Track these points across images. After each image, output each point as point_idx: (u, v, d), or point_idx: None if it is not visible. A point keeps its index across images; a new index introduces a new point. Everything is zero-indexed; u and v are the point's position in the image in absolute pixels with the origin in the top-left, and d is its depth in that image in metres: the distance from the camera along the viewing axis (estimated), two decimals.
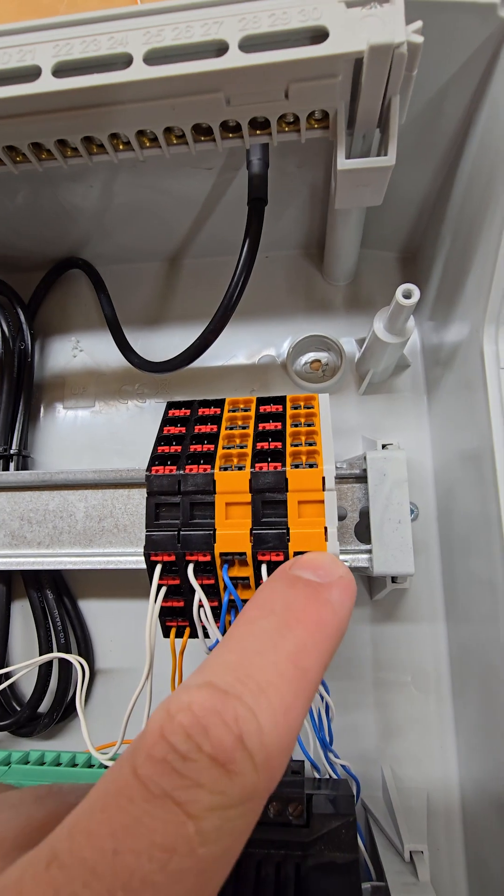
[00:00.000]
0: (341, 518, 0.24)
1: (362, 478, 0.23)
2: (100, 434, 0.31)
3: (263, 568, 0.17)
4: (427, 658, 0.27)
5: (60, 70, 0.16)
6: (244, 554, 0.17)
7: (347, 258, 0.29)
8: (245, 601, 0.18)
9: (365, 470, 0.23)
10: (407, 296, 0.21)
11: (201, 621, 0.18)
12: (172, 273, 0.32)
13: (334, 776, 0.22)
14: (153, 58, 0.15)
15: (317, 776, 0.22)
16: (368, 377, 0.28)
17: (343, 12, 0.15)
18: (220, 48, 0.15)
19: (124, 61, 0.15)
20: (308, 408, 0.20)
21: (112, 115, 0.16)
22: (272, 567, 0.18)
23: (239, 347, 0.31)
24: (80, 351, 0.32)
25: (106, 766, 0.20)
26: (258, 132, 0.18)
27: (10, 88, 0.16)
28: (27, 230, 0.30)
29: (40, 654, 0.27)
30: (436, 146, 0.23)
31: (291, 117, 0.17)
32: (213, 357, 0.31)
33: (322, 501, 0.17)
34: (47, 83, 0.16)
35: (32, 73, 0.16)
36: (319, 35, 0.15)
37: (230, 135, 0.18)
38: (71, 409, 0.32)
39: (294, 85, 0.15)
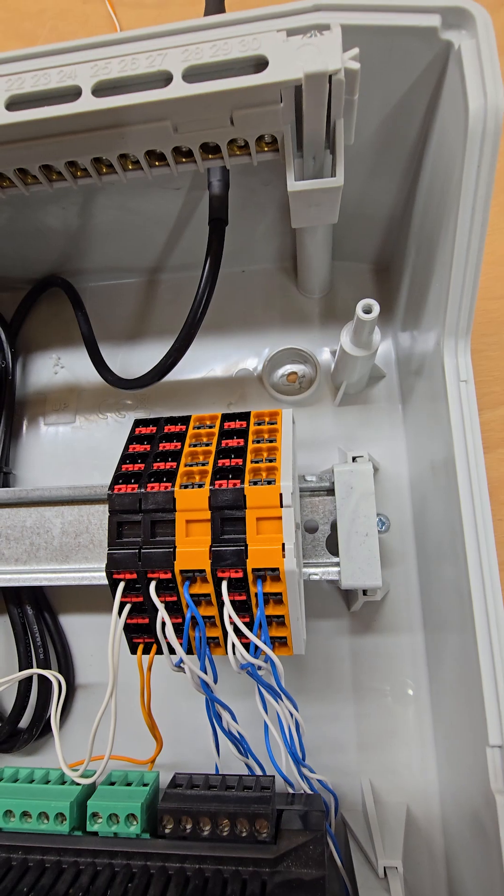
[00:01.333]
0: (312, 531, 0.24)
1: (333, 490, 0.24)
2: (80, 449, 0.32)
3: (224, 585, 0.18)
4: (406, 669, 0.26)
5: (13, 103, 0.16)
6: (204, 571, 0.18)
7: (319, 271, 0.29)
8: (206, 618, 0.19)
9: (333, 482, 0.23)
10: (367, 310, 0.21)
11: (165, 638, 0.19)
12: (151, 289, 0.33)
13: (308, 791, 0.22)
14: (101, 89, 0.16)
15: (291, 791, 0.22)
16: (343, 389, 0.28)
17: (282, 42, 0.15)
18: (165, 79, 0.16)
19: (74, 93, 0.16)
20: (271, 423, 0.21)
21: (64, 145, 0.17)
22: (232, 584, 0.18)
23: (216, 361, 0.31)
24: (61, 367, 0.33)
25: (77, 783, 0.20)
26: (210, 156, 0.18)
27: None
28: (6, 250, 0.31)
29: (20, 670, 0.27)
30: (397, 162, 0.23)
31: (242, 141, 0.18)
32: (191, 370, 0.31)
33: (280, 518, 0.18)
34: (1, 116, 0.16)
35: None
36: (259, 64, 0.15)
37: (184, 159, 0.18)
38: (52, 424, 0.32)
39: (238, 112, 0.16)
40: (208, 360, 0.31)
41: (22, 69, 0.16)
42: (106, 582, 0.24)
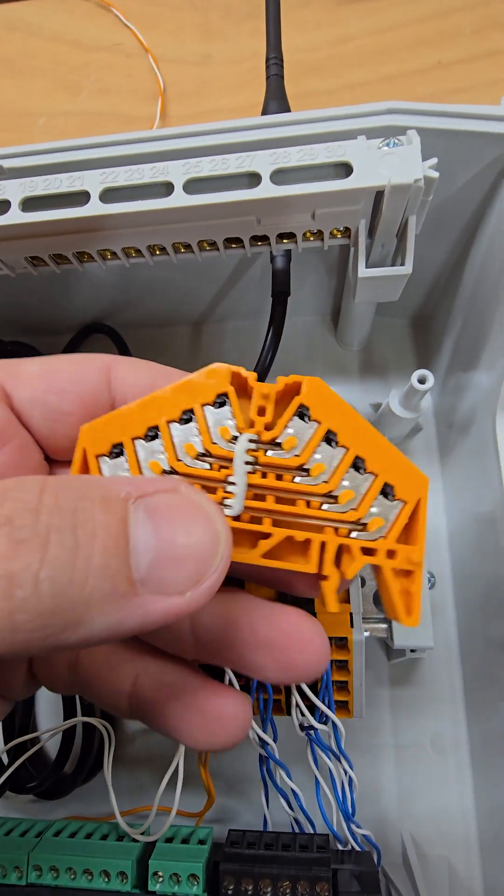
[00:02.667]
0: (361, 587, 0.25)
1: None
2: None
3: None
4: (446, 721, 0.27)
5: (106, 194, 0.17)
6: None
7: (362, 328, 0.30)
8: None
9: None
10: (422, 381, 0.22)
11: None
12: (196, 337, 0.34)
13: (356, 847, 0.22)
14: (191, 185, 0.17)
15: (339, 847, 0.22)
16: None
17: (365, 150, 0.16)
18: (252, 178, 0.17)
19: (165, 189, 0.17)
20: None
21: (155, 234, 0.18)
22: None
23: None
24: None
25: (135, 840, 0.21)
26: (285, 241, 0.19)
27: (64, 211, 0.17)
28: (54, 299, 0.32)
29: (65, 716, 0.27)
30: (449, 234, 0.24)
31: (315, 230, 0.19)
32: None
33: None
34: (95, 207, 0.17)
35: (83, 198, 0.17)
36: (344, 169, 0.16)
37: (258, 243, 0.19)
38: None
39: (320, 209, 0.17)
40: None
41: (118, 160, 0.17)
42: None
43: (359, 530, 0.12)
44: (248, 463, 0.12)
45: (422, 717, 0.27)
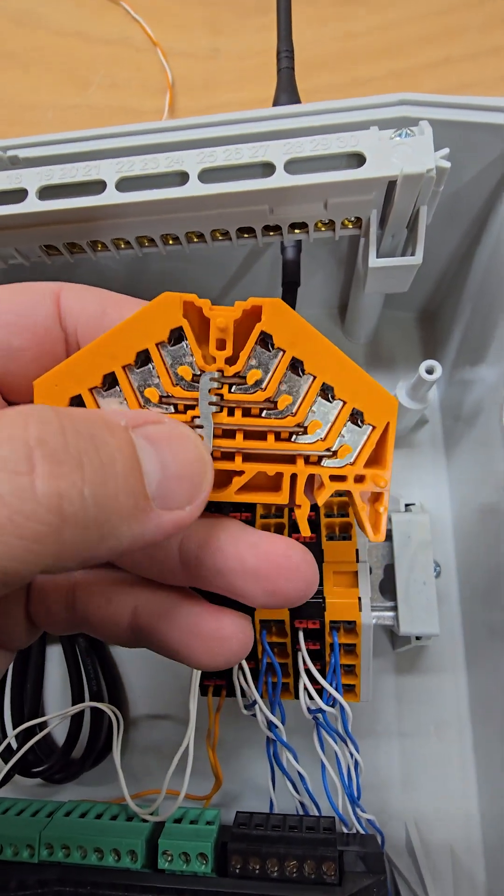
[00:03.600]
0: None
1: (387, 536, 0.24)
2: None
3: (300, 634, 0.19)
4: (450, 708, 0.27)
5: (122, 183, 0.18)
6: (283, 621, 0.18)
7: (369, 320, 0.30)
8: (282, 664, 0.20)
9: (390, 529, 0.24)
10: (430, 371, 0.22)
11: (239, 682, 0.19)
12: None
13: (361, 830, 0.23)
14: (206, 174, 0.17)
15: (345, 831, 0.22)
16: None
17: (378, 140, 0.16)
18: (266, 168, 0.17)
19: (180, 179, 0.17)
20: None
21: (170, 222, 0.18)
22: (308, 634, 0.19)
23: None
24: None
25: (145, 820, 0.21)
26: (297, 231, 0.19)
27: (80, 200, 0.17)
28: None
29: (73, 701, 0.28)
30: (458, 227, 0.25)
31: (327, 220, 0.19)
32: None
33: (356, 572, 0.19)
34: (111, 196, 0.17)
35: (99, 187, 0.18)
36: (353, 156, 0.17)
37: (270, 233, 0.19)
38: None
39: (333, 199, 0.17)
40: None
41: (133, 149, 0.18)
42: None
43: (329, 457, 0.12)
44: (212, 403, 0.12)
45: (426, 705, 0.27)
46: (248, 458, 0.12)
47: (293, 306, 0.23)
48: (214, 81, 0.41)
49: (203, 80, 0.41)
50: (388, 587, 0.24)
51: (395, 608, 0.23)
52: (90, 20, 0.43)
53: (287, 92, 0.24)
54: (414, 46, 0.40)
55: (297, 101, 0.24)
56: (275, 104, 0.25)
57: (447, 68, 0.40)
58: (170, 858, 0.20)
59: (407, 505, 0.25)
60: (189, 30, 0.42)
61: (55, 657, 0.30)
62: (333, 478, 0.12)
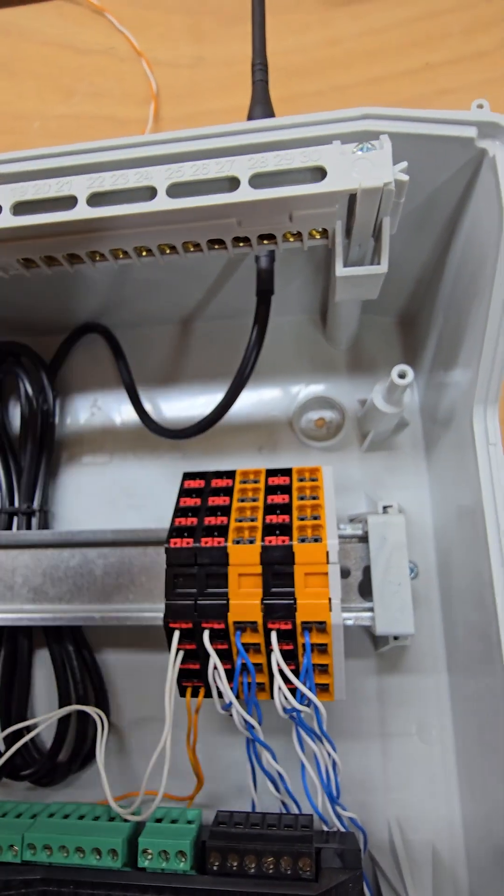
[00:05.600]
0: (345, 576, 0.26)
1: (365, 538, 0.25)
2: (115, 489, 0.33)
3: (273, 635, 0.19)
4: (431, 709, 0.28)
5: (93, 198, 0.18)
6: (255, 623, 0.19)
7: (349, 326, 0.31)
8: (256, 664, 0.20)
9: (367, 531, 0.24)
10: (402, 376, 0.23)
11: (215, 683, 0.20)
12: (185, 335, 0.35)
13: (342, 828, 0.23)
14: (174, 188, 0.18)
15: (325, 829, 0.23)
16: (370, 437, 0.30)
17: (339, 154, 0.17)
18: (232, 182, 0.17)
19: (149, 194, 0.18)
20: (313, 479, 0.22)
21: (141, 236, 0.19)
22: (281, 635, 0.19)
23: (249, 406, 0.33)
24: (98, 409, 0.34)
25: (126, 820, 0.21)
26: (266, 242, 0.20)
27: (53, 215, 0.18)
28: (48, 299, 0.33)
29: (60, 704, 0.28)
30: (428, 237, 0.25)
31: (295, 231, 0.19)
32: (225, 415, 0.33)
33: (326, 574, 0.19)
34: (83, 211, 0.18)
35: (70, 202, 0.18)
36: (319, 172, 0.17)
37: (240, 244, 0.20)
38: (88, 464, 0.34)
39: (297, 212, 0.18)
40: (240, 405, 0.33)
41: (106, 165, 0.18)
42: (144, 622, 0.26)
43: None
44: None
45: (408, 705, 0.28)
46: None
47: (267, 314, 0.24)
48: (199, 90, 0.42)
49: (188, 88, 0.42)
50: (367, 588, 0.25)
51: (372, 609, 0.24)
52: (75, 31, 0.44)
53: (261, 104, 0.25)
54: (395, 52, 0.41)
55: (271, 113, 0.25)
56: (249, 117, 0.25)
57: (428, 74, 0.40)
58: (150, 857, 0.20)
59: (385, 507, 0.26)
60: (173, 39, 0.43)
61: (42, 661, 0.30)
62: None
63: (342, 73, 0.41)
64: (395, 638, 0.25)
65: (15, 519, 0.30)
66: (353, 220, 0.18)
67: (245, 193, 0.17)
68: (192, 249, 0.20)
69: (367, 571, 0.25)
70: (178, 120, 0.41)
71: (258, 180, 0.17)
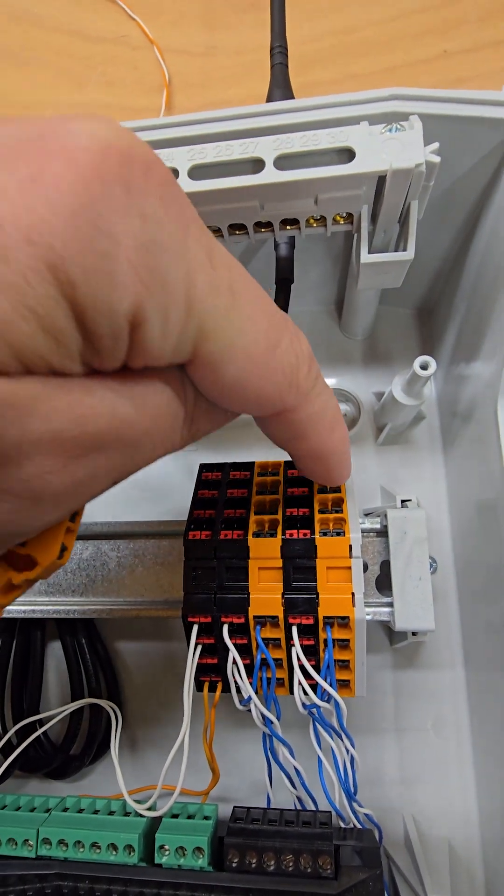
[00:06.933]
0: (363, 571, 0.25)
1: (383, 532, 0.24)
2: (129, 481, 0.32)
3: (294, 630, 0.19)
4: (447, 704, 0.27)
5: None
6: (276, 617, 0.19)
7: (366, 317, 0.30)
8: (276, 660, 0.20)
9: (385, 526, 0.24)
10: (424, 367, 0.22)
11: (234, 678, 0.20)
12: None
13: (358, 825, 0.23)
14: (197, 171, 0.17)
15: (342, 825, 0.22)
16: (386, 430, 0.29)
17: (367, 136, 0.16)
18: (256, 164, 0.17)
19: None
20: None
21: None
22: (302, 629, 0.19)
23: None
24: None
25: (141, 815, 0.21)
26: (288, 227, 0.19)
27: None
28: None
29: (72, 697, 0.28)
30: (452, 223, 0.25)
31: (318, 215, 0.19)
32: None
33: (349, 567, 0.19)
34: None
35: None
36: (343, 152, 0.16)
37: (262, 230, 0.19)
38: None
39: (323, 195, 0.17)
40: None
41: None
42: (157, 614, 0.25)
43: None
44: None
45: (424, 701, 0.27)
46: None
47: (286, 303, 0.23)
48: (211, 78, 0.41)
49: (200, 76, 0.41)
50: (385, 583, 0.24)
51: (391, 604, 0.23)
52: (87, 18, 0.43)
53: (281, 88, 0.24)
54: (411, 40, 0.40)
55: (291, 96, 0.24)
56: (268, 100, 0.25)
57: (445, 62, 0.40)
58: (166, 853, 0.20)
59: (403, 501, 0.25)
60: (185, 27, 0.42)
61: (54, 654, 0.30)
62: None
63: (357, 62, 0.40)
64: (414, 634, 0.24)
65: None
66: (381, 203, 0.17)
67: (270, 175, 0.16)
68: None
69: (384, 566, 0.25)
70: (192, 108, 0.41)
71: (283, 162, 0.17)
